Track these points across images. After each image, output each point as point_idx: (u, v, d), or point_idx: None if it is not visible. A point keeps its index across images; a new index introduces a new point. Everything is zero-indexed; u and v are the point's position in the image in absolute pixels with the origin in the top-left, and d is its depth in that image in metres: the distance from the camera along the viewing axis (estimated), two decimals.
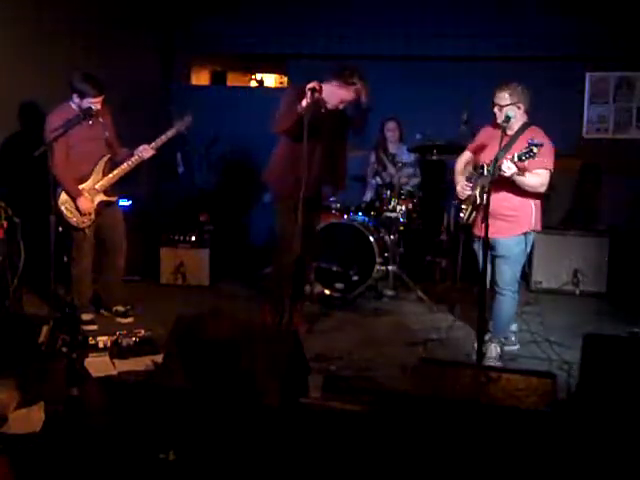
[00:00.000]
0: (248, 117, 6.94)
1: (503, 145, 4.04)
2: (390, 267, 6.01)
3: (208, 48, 7.65)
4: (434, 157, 6.29)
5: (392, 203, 6.08)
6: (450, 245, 6.24)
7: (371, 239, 5.76)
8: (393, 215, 6.08)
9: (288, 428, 3.17)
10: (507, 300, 4.35)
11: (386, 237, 6.04)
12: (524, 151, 3.89)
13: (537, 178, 4.14)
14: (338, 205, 6.21)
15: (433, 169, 6.69)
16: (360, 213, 6.18)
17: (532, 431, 2.99)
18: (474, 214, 4.33)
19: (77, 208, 4.84)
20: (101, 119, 4.90)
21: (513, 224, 4.27)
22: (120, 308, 5.23)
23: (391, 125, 6.57)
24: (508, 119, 4.01)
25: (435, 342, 4.76)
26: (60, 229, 4.72)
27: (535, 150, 3.85)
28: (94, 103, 4.71)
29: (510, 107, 4.16)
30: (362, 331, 5.12)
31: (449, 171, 6.46)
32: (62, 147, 4.66)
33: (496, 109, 4.22)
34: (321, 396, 3.59)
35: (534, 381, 3.25)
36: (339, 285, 5.88)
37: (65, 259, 5.11)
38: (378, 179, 6.55)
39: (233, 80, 8.28)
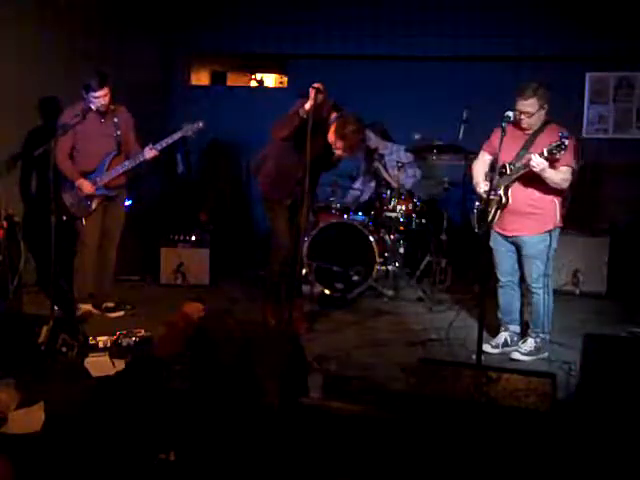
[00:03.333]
0: (248, 117, 6.95)
1: (523, 143, 4.15)
2: (390, 267, 6.01)
3: (208, 48, 7.65)
4: (434, 157, 6.28)
5: (392, 203, 6.08)
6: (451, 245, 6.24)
7: (371, 239, 5.76)
8: (393, 215, 6.08)
9: (288, 428, 3.17)
10: (540, 297, 4.37)
11: (386, 237, 6.04)
12: (555, 144, 3.92)
13: (561, 174, 4.16)
14: (338, 205, 6.21)
15: (433, 169, 6.69)
16: (360, 213, 6.18)
17: (532, 431, 2.99)
18: (499, 214, 4.30)
19: (78, 193, 4.92)
20: (115, 119, 4.99)
21: (538, 221, 4.29)
22: (110, 304, 5.27)
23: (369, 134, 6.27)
24: (508, 119, 3.86)
25: (435, 342, 4.76)
26: (64, 218, 4.87)
27: (567, 143, 3.89)
28: (97, 97, 4.77)
29: (537, 114, 4.16)
30: (362, 331, 5.12)
31: (449, 171, 6.52)
32: (67, 140, 4.80)
33: (523, 116, 4.17)
34: (321, 396, 3.59)
35: (534, 381, 3.25)
36: (339, 285, 5.88)
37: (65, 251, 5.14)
38: (373, 184, 6.52)
39: (233, 80, 8.28)
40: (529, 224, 4.30)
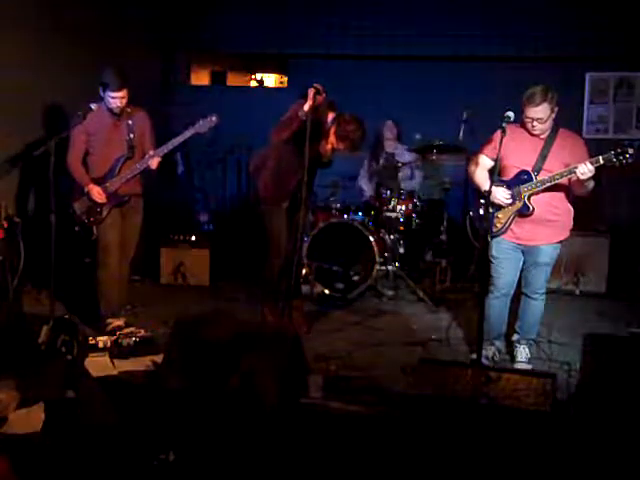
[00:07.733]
0: (248, 117, 6.95)
1: (540, 149, 3.98)
2: (390, 267, 6.01)
3: (208, 48, 7.65)
4: (434, 157, 6.29)
5: (392, 203, 6.08)
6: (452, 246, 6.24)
7: (371, 239, 5.76)
8: (393, 215, 6.08)
9: (288, 428, 3.17)
10: (541, 303, 4.30)
11: (386, 237, 6.04)
12: (618, 151, 3.73)
13: (593, 181, 3.96)
14: (338, 205, 6.21)
15: (434, 169, 6.69)
16: (360, 213, 6.18)
17: (532, 431, 2.99)
18: (514, 222, 4.13)
19: (89, 200, 4.77)
20: (130, 121, 4.80)
21: (555, 229, 4.13)
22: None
23: (389, 123, 6.52)
24: (508, 119, 3.68)
25: (435, 342, 4.76)
26: (76, 228, 4.77)
27: (631, 151, 3.71)
28: (115, 98, 4.62)
29: (550, 118, 3.94)
30: (362, 331, 5.12)
31: (450, 171, 6.52)
32: (80, 145, 4.71)
33: (536, 123, 3.93)
34: (321, 396, 3.59)
35: (534, 381, 3.25)
36: (339, 285, 5.88)
37: (87, 260, 5.07)
38: (369, 184, 6.53)
39: (233, 80, 8.28)
40: (549, 232, 4.12)
